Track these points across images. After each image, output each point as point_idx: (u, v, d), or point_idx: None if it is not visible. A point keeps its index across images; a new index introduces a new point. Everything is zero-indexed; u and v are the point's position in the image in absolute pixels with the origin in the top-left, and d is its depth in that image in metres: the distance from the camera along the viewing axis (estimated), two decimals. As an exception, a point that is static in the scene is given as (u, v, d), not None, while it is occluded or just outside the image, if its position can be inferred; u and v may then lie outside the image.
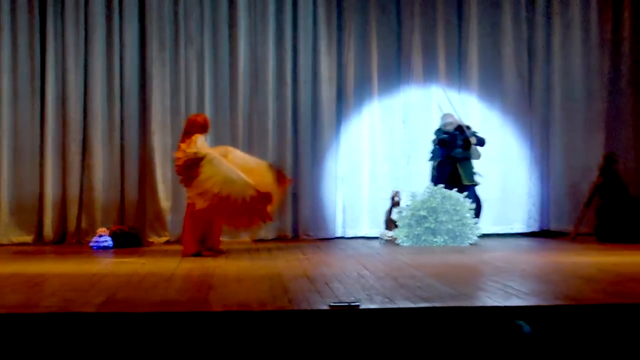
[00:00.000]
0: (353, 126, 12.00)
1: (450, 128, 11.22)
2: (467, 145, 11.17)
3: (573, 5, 12.04)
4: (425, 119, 11.86)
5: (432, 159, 11.31)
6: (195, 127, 9.64)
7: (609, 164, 11.26)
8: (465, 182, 11.04)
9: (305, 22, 11.92)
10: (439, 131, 11.27)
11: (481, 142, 11.30)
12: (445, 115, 11.34)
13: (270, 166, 10.16)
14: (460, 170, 11.11)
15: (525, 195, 12.06)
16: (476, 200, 11.06)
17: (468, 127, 11.29)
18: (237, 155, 10.01)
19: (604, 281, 7.16)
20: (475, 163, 11.27)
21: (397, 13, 12.05)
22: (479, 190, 11.27)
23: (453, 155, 11.12)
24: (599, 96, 12.00)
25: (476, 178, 11.19)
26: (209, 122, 9.99)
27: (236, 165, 9.60)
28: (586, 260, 8.88)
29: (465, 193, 10.82)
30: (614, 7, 12.07)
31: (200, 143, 9.46)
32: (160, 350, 5.42)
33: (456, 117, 11.32)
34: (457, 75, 12.09)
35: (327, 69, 11.92)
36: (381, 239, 11.04)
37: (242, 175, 9.39)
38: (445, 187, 10.80)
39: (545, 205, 12.10)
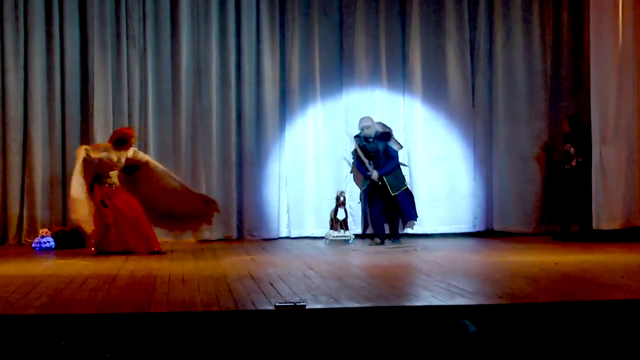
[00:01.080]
0: (297, 127, 11.99)
1: (369, 133, 10.77)
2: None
3: (515, 6, 12.15)
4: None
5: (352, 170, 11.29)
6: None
7: (574, 125, 11.49)
8: (393, 193, 10.68)
9: (248, 22, 11.89)
10: (358, 137, 10.92)
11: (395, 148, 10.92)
12: (363, 119, 10.95)
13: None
14: (386, 181, 10.69)
15: (470, 195, 12.15)
16: (408, 203, 10.86)
17: (388, 134, 10.87)
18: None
19: (545, 280, 7.25)
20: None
21: (340, 14, 12.07)
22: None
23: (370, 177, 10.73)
24: (540, 96, 12.13)
25: (403, 184, 10.86)
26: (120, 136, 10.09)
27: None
28: (530, 260, 8.98)
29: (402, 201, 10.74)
30: (554, 8, 12.21)
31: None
32: (102, 352, 5.37)
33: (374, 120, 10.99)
34: (401, 76, 12.13)
35: (270, 70, 11.90)
36: (326, 239, 11.06)
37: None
38: (371, 203, 10.70)
39: (489, 206, 12.20)
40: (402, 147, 11.06)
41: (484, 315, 5.68)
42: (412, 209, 10.90)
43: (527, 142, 12.12)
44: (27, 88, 11.53)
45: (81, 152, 9.92)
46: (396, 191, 10.67)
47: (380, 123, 10.92)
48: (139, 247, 9.81)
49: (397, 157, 10.86)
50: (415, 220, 11.08)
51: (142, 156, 10.29)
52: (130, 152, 10.05)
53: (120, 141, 9.95)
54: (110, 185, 9.92)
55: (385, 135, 10.77)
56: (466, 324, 4.98)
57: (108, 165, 9.92)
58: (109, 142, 10.09)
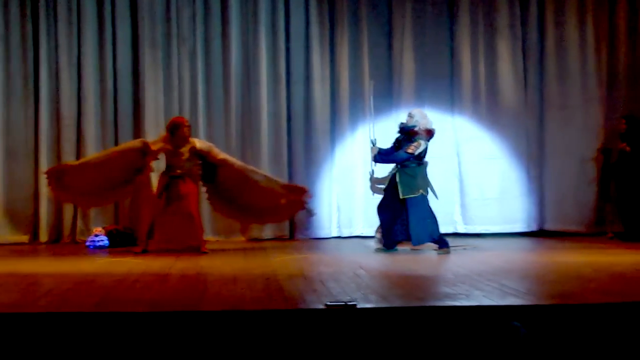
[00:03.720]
0: (346, 126, 11.98)
1: (408, 122, 9.94)
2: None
3: (569, 4, 12.02)
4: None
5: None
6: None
7: (630, 124, 11.27)
8: (402, 196, 9.71)
9: (297, 21, 11.92)
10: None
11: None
12: (413, 109, 10.27)
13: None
14: (398, 181, 9.82)
15: (522, 194, 12.03)
16: (418, 223, 9.70)
17: (415, 132, 9.86)
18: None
19: (599, 280, 7.16)
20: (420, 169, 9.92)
21: (388, 12, 12.04)
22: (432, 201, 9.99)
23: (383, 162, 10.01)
24: (595, 94, 11.96)
25: (417, 189, 9.75)
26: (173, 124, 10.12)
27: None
28: (583, 260, 8.88)
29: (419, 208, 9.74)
30: (609, 2, 12.03)
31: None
32: (154, 350, 5.41)
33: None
34: (450, 73, 12.06)
35: (319, 68, 11.91)
36: (377, 238, 11.00)
37: None
38: (382, 205, 9.94)
39: (542, 205, 12.07)
40: (413, 155, 9.71)
41: (536, 316, 5.63)
42: (422, 232, 9.69)
43: (581, 140, 11.95)
44: (80, 87, 11.67)
45: (135, 141, 10.27)
46: (406, 195, 9.68)
47: (425, 128, 9.88)
48: (183, 244, 9.86)
49: (403, 157, 9.75)
50: (415, 245, 9.77)
51: (218, 153, 10.15)
52: (197, 144, 10.02)
53: (172, 128, 9.97)
54: (173, 177, 9.95)
55: (413, 133, 9.80)
56: (518, 326, 4.93)
57: (167, 156, 9.98)
58: (165, 132, 10.12)
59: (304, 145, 11.91)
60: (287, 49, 11.94)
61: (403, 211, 9.74)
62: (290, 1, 11.92)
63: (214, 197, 10.27)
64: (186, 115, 11.67)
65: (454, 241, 10.81)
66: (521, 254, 9.69)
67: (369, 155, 10.23)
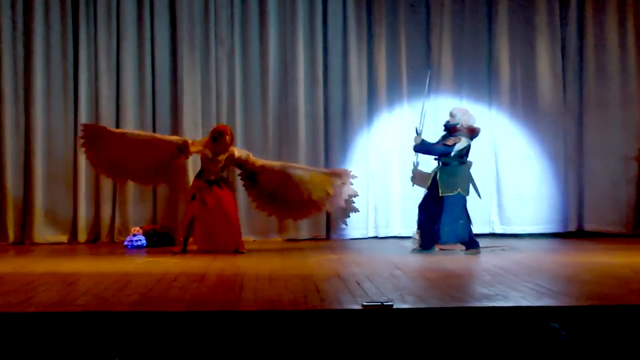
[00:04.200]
0: (383, 126, 11.96)
1: (451, 121, 9.87)
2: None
3: (609, 3, 11.91)
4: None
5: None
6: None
7: None
8: (440, 194, 9.63)
9: (335, 21, 11.92)
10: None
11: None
12: (455, 107, 10.28)
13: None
14: (438, 179, 9.74)
15: (560, 195, 11.95)
16: (450, 220, 9.63)
17: (455, 129, 9.79)
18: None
19: (636, 281, 7.10)
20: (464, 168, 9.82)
21: (426, 12, 12.01)
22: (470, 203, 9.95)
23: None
24: (635, 94, 11.84)
25: (456, 188, 9.65)
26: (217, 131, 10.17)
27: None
28: (621, 261, 8.80)
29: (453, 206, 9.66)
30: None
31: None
32: (192, 349, 5.44)
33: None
34: (487, 73, 12.02)
35: (357, 68, 11.91)
36: (414, 239, 10.97)
37: None
38: (423, 205, 9.86)
39: (580, 205, 11.98)
40: (451, 148, 9.66)
41: (573, 317, 5.60)
42: (451, 232, 9.61)
43: (620, 140, 11.83)
44: (119, 90, 11.76)
45: (177, 137, 10.41)
46: (444, 193, 9.61)
47: (468, 125, 9.83)
48: (221, 245, 9.92)
49: (441, 149, 9.71)
50: (441, 244, 9.73)
51: (256, 160, 10.19)
52: (236, 152, 10.08)
53: (215, 136, 10.05)
54: (207, 181, 10.01)
55: (454, 130, 9.72)
56: (556, 327, 4.90)
57: (203, 160, 10.05)
58: (208, 137, 10.18)
59: (341, 146, 11.92)
60: (325, 50, 11.95)
61: (442, 211, 9.68)
62: (328, 2, 11.93)
63: (259, 200, 10.30)
64: (223, 117, 11.75)
65: (491, 242, 10.78)
66: (558, 255, 9.62)
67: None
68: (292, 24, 11.87)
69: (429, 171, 10.00)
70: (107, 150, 10.13)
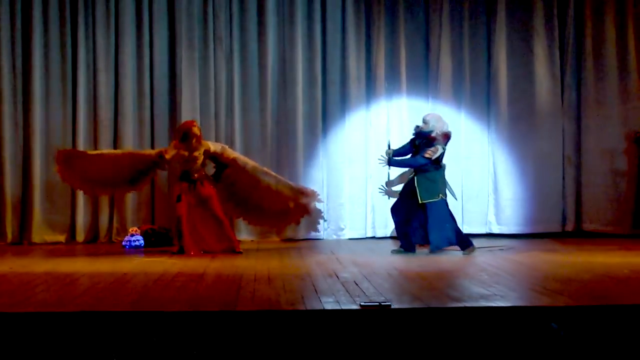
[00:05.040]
0: (382, 126, 11.96)
1: (424, 128, 9.74)
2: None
3: (607, 3, 11.92)
4: (453, 119, 11.78)
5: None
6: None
7: None
8: (422, 201, 9.57)
9: (334, 22, 11.94)
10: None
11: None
12: (428, 114, 10.07)
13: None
14: (417, 185, 9.64)
15: (558, 195, 11.95)
16: (440, 220, 9.56)
17: (434, 138, 9.67)
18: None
19: (635, 281, 7.11)
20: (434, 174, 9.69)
21: (425, 13, 12.03)
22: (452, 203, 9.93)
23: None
24: (633, 95, 11.85)
25: (437, 193, 9.59)
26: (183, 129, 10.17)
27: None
28: (619, 261, 8.81)
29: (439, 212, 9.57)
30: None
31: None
32: (190, 349, 5.45)
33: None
34: (486, 74, 12.02)
35: (355, 69, 11.92)
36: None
37: None
38: (397, 207, 9.78)
39: (578, 205, 11.99)
40: (430, 160, 9.55)
41: (571, 317, 5.60)
42: (440, 237, 9.55)
43: (619, 140, 11.84)
44: (118, 89, 11.77)
45: (151, 151, 10.50)
46: (426, 200, 9.54)
47: (442, 132, 9.69)
48: (214, 245, 9.92)
49: (421, 162, 9.60)
50: (433, 250, 9.60)
51: (230, 153, 10.28)
52: (211, 147, 10.10)
53: (183, 136, 10.03)
54: (190, 182, 10.01)
55: (431, 139, 9.63)
56: (555, 327, 4.91)
57: (182, 162, 10.03)
58: (174, 139, 10.20)
59: (340, 146, 11.92)
60: (324, 50, 11.96)
61: (421, 215, 9.64)
62: (327, 2, 11.94)
63: (224, 197, 10.29)
64: (222, 117, 11.77)
65: (488, 242, 10.79)
66: (556, 255, 9.63)
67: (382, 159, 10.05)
68: (291, 23, 11.89)
69: (398, 175, 10.02)
70: (83, 171, 10.16)
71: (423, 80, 12.03)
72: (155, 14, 11.79)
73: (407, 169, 9.90)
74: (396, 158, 9.83)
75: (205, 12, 11.83)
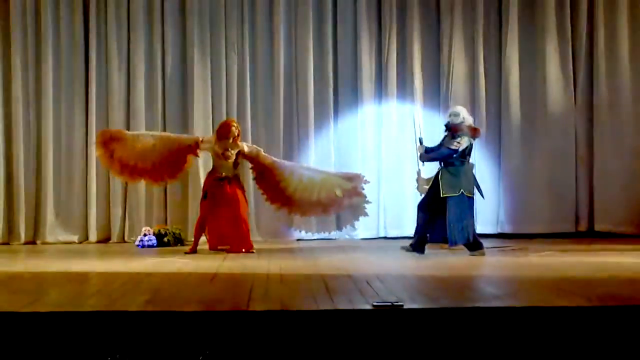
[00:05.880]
0: (394, 126, 11.96)
1: (454, 120, 9.65)
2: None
3: (619, 4, 11.88)
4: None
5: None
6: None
7: None
8: (442, 194, 9.48)
9: (345, 23, 11.96)
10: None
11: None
12: (455, 107, 10.12)
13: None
14: (440, 179, 9.59)
15: (571, 195, 11.91)
16: (459, 216, 9.44)
17: (457, 128, 9.61)
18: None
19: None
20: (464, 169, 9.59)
21: (437, 13, 12.04)
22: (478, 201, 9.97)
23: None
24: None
25: (458, 188, 9.47)
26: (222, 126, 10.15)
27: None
28: (631, 262, 8.78)
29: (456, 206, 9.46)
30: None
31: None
32: (203, 349, 5.45)
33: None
34: (498, 75, 12.00)
35: (368, 68, 11.92)
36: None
37: None
38: (423, 204, 9.75)
39: (591, 205, 11.95)
40: (456, 151, 9.47)
41: (584, 318, 5.59)
42: (458, 233, 9.45)
43: (632, 140, 11.81)
44: (130, 90, 11.80)
45: (190, 137, 10.32)
46: (446, 193, 9.46)
47: (471, 125, 9.74)
48: (231, 244, 9.94)
49: (445, 153, 9.54)
50: (451, 246, 9.58)
51: (264, 158, 10.15)
52: (245, 148, 10.04)
53: (221, 130, 10.05)
54: (218, 179, 10.02)
55: (457, 130, 9.55)
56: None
57: (214, 157, 10.04)
58: (215, 134, 10.18)
59: (352, 146, 11.92)
60: (335, 50, 11.98)
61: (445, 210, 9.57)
62: (338, 2, 11.94)
63: (269, 194, 10.21)
64: (233, 117, 11.78)
65: (500, 242, 10.76)
66: (568, 255, 9.60)
67: (415, 154, 10.08)
68: (303, 23, 11.90)
69: (432, 175, 9.90)
70: (118, 152, 10.11)
71: (435, 80, 12.02)
72: (166, 17, 11.82)
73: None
74: (427, 154, 9.74)
75: (216, 15, 11.84)
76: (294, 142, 11.92)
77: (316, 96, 11.90)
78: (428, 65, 11.99)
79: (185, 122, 11.78)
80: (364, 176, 10.35)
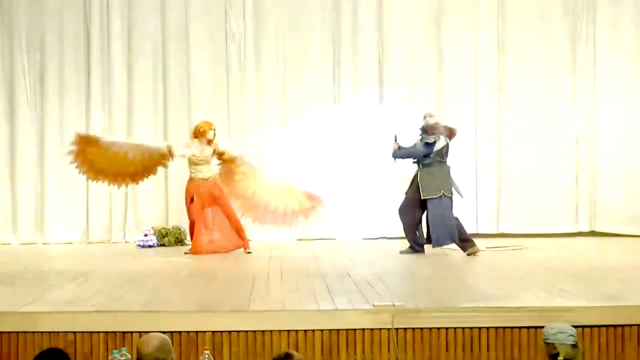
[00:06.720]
0: (395, 127, 11.92)
1: (426, 122, 9.63)
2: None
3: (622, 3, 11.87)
4: (465, 117, 11.74)
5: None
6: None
7: None
8: (424, 197, 9.45)
9: (346, 17, 11.94)
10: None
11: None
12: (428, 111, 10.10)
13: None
14: (419, 180, 9.56)
15: (572, 194, 11.89)
16: (441, 217, 9.39)
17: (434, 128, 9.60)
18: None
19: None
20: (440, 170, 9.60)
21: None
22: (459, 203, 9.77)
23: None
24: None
25: (438, 190, 9.43)
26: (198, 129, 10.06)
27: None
28: (632, 261, 8.79)
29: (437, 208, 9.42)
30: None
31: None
32: (202, 349, 5.46)
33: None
34: (497, 73, 11.98)
35: (369, 68, 11.92)
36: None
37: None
38: (404, 207, 9.70)
39: (592, 205, 11.93)
40: (432, 145, 9.46)
41: (585, 317, 5.59)
42: (442, 233, 9.37)
43: (634, 141, 11.79)
44: (132, 90, 11.79)
45: (161, 145, 10.17)
46: (427, 196, 9.44)
47: (446, 126, 9.76)
48: (225, 244, 9.92)
49: (425, 149, 9.49)
50: (435, 247, 9.48)
51: (230, 154, 10.01)
52: (220, 147, 9.96)
53: (199, 133, 9.99)
54: (201, 179, 9.98)
55: (433, 129, 9.52)
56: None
57: (193, 160, 10.00)
58: (192, 136, 10.03)
59: (354, 146, 11.90)
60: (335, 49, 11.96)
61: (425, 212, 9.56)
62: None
63: (231, 190, 10.14)
64: (236, 114, 11.76)
65: (500, 242, 10.74)
66: (569, 255, 9.61)
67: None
68: (305, 18, 11.87)
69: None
70: (93, 157, 10.05)
71: (435, 75, 11.95)
72: (167, 11, 11.80)
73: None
74: (400, 150, 9.72)
75: (218, 9, 11.82)
76: (296, 142, 11.86)
77: (320, 95, 11.85)
78: (427, 58, 11.93)
79: (187, 118, 11.70)
80: (324, 200, 10.18)
